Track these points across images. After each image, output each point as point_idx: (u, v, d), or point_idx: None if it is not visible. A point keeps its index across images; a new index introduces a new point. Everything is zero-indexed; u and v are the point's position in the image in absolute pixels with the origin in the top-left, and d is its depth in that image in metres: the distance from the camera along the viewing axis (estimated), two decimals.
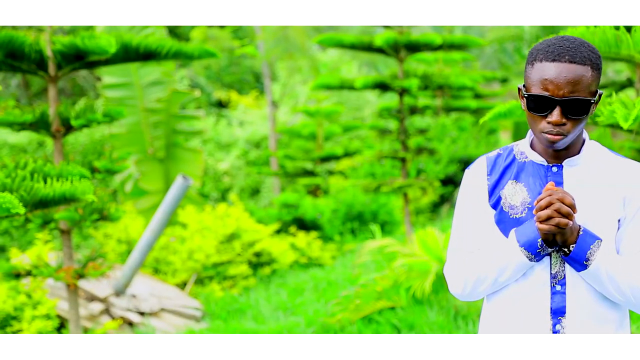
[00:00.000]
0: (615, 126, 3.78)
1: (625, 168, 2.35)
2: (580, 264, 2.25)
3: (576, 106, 2.18)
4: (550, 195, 2.18)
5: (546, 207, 2.18)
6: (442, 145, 15.31)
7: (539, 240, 2.25)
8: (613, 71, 19.40)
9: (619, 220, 2.33)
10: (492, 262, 2.34)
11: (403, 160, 9.46)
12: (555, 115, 2.19)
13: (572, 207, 2.18)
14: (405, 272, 7.08)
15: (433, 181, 9.71)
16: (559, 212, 2.17)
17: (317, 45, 19.40)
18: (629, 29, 3.77)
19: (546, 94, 2.19)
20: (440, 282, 6.86)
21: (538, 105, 2.21)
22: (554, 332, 2.31)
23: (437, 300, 6.92)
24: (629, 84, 8.91)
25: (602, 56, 3.11)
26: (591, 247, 2.23)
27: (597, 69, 2.23)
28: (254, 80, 25.11)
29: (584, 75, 2.19)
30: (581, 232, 2.24)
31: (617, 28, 3.67)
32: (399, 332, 6.59)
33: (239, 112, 21.01)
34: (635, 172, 2.34)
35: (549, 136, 2.23)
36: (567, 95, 2.18)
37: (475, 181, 2.45)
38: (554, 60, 2.20)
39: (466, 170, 2.50)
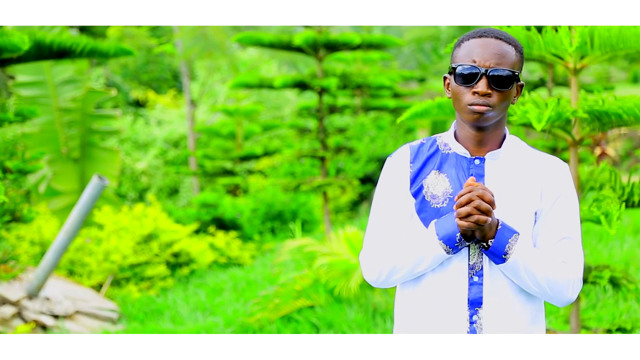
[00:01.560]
0: (528, 125, 3.86)
1: (542, 162, 2.41)
2: (499, 257, 2.29)
3: (501, 78, 2.28)
4: (470, 192, 2.21)
5: (466, 204, 2.22)
6: (361, 144, 15.42)
7: (458, 234, 2.28)
8: (527, 71, 19.88)
9: (535, 213, 2.39)
10: (409, 253, 2.35)
11: (322, 159, 9.49)
12: (482, 85, 2.27)
13: (492, 203, 2.22)
14: (325, 271, 7.10)
15: (352, 180, 9.76)
16: (479, 209, 2.21)
17: (236, 44, 19.31)
18: (539, 29, 3.86)
19: (474, 64, 2.28)
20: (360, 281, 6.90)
21: (465, 77, 2.29)
22: (471, 322, 2.34)
23: (356, 298, 6.95)
24: (541, 83, 9.13)
25: None
26: (509, 241, 2.28)
27: (520, 53, 2.36)
28: (172, 79, 24.84)
29: (509, 52, 2.32)
30: (499, 227, 2.28)
31: (528, 29, 3.75)
32: (318, 330, 6.61)
33: (157, 111, 20.74)
34: (551, 166, 2.41)
35: (476, 107, 2.28)
36: (493, 67, 2.28)
37: (397, 169, 2.46)
38: (480, 37, 2.33)
39: (389, 158, 2.51)
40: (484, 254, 2.34)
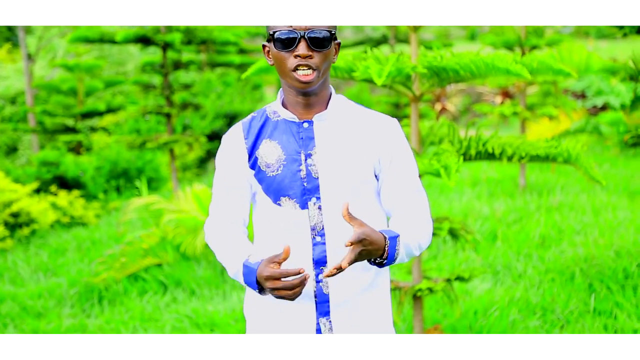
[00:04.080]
0: (370, 81, 3.94)
1: (371, 120, 2.47)
2: (390, 263, 2.29)
3: (319, 38, 2.31)
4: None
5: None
6: (208, 101, 15.28)
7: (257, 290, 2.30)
8: (370, 28, 20.20)
9: (374, 170, 2.44)
10: (226, 257, 2.41)
11: (168, 115, 9.33)
12: (302, 48, 2.30)
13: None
14: (172, 229, 7.05)
15: (199, 137, 9.67)
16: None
17: None
18: None
19: (291, 29, 2.31)
20: None
21: (284, 41, 2.32)
22: (317, 280, 2.40)
23: (204, 255, 6.95)
24: (384, 40, 9.30)
25: None
26: (397, 248, 2.28)
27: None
28: (6, 32, 23.67)
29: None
30: (388, 242, 2.25)
31: None
32: (166, 288, 6.56)
33: None
34: (382, 124, 2.47)
35: (300, 74, 2.32)
36: (310, 29, 2.31)
37: (232, 147, 2.49)
38: None
39: (223, 136, 2.54)
40: (323, 214, 2.39)
